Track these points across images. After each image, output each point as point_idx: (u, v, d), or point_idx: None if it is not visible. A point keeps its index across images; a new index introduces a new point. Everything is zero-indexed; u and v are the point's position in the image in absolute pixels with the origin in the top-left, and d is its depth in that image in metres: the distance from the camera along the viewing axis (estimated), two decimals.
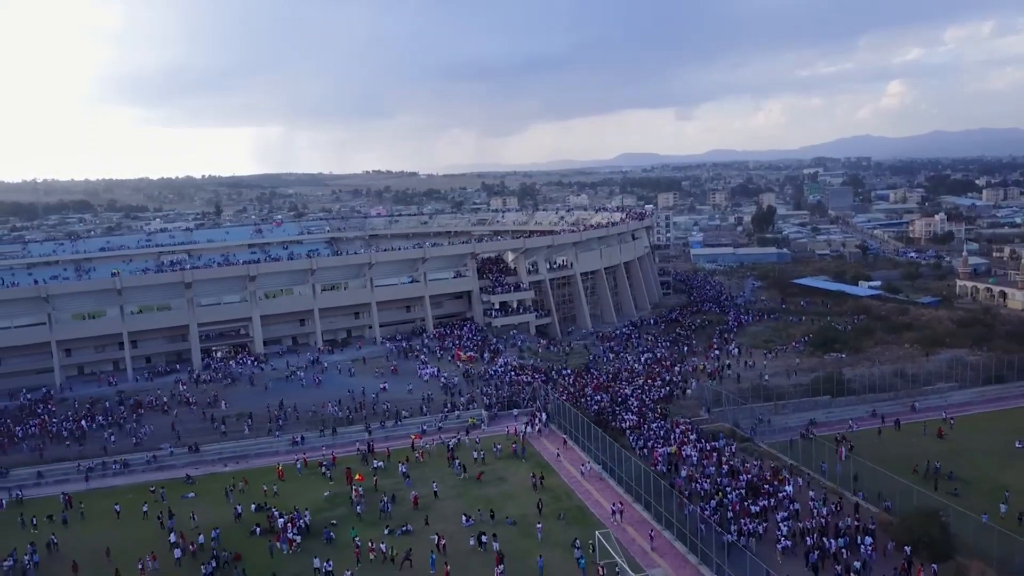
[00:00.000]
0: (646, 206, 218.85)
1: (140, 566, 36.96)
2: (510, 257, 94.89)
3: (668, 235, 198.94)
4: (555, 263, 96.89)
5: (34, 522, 42.89)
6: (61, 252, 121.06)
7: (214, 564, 36.51)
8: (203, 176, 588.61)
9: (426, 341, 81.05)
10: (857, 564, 34.65)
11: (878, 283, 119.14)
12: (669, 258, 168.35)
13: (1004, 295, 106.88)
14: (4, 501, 46.43)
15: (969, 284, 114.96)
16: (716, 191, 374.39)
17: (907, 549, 35.45)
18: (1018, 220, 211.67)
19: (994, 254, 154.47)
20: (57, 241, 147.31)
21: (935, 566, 34.02)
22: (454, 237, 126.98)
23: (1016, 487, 43.93)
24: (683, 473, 45.27)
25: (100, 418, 59.87)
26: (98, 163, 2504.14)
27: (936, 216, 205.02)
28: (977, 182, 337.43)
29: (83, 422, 58.83)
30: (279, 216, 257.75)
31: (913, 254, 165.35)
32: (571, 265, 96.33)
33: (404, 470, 47.99)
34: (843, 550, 35.89)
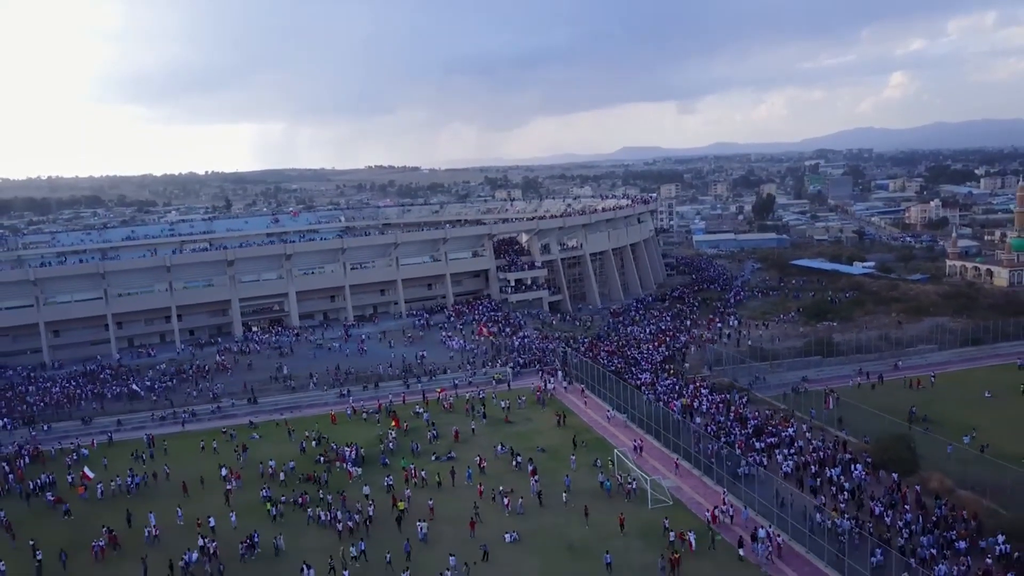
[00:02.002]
0: (650, 195, 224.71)
1: (228, 488, 43.83)
2: (524, 238, 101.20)
3: (671, 223, 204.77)
4: (566, 244, 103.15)
5: (143, 456, 50.33)
6: (88, 241, 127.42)
7: (268, 490, 42.85)
8: (206, 172, 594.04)
9: (449, 317, 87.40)
10: (848, 486, 40.81)
11: (872, 264, 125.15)
12: (672, 244, 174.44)
13: (991, 273, 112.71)
14: (96, 442, 53.35)
15: (958, 264, 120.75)
16: (718, 182, 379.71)
17: (895, 475, 41.53)
18: (1012, 207, 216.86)
19: (986, 237, 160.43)
20: (84, 231, 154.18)
21: (918, 487, 40.08)
22: (465, 225, 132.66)
23: (982, 427, 50.01)
24: (697, 420, 51.41)
25: (166, 381, 66.71)
26: (101, 161, 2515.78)
27: (931, 203, 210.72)
28: (976, 171, 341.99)
29: (134, 383, 65.69)
30: (291, 208, 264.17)
31: (908, 238, 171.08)
32: (581, 246, 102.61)
33: (428, 418, 54.64)
34: (839, 477, 42.05)
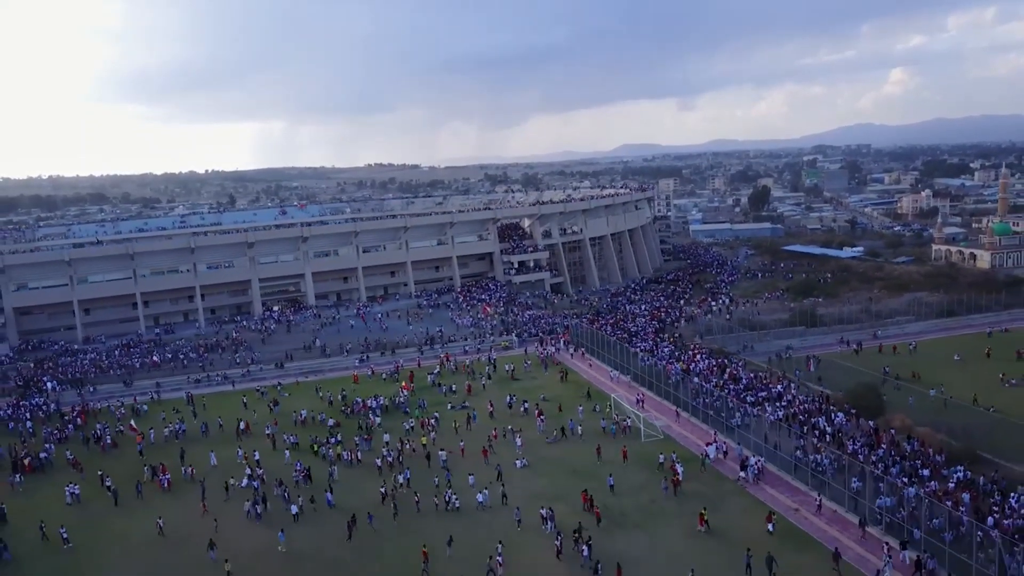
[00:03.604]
0: (648, 184, 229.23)
1: (268, 431, 49.18)
2: (526, 223, 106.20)
3: (669, 213, 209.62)
4: (567, 229, 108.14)
5: (193, 411, 55.77)
6: (102, 233, 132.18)
7: (296, 437, 47.99)
8: (207, 171, 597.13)
9: (457, 297, 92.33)
10: (829, 430, 45.62)
11: (860, 249, 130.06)
12: (670, 234, 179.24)
13: (974, 256, 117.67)
14: (137, 399, 58.75)
15: (943, 248, 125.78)
16: (715, 177, 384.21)
17: (872, 423, 46.33)
18: None
19: (973, 225, 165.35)
20: (98, 224, 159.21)
21: (892, 431, 44.88)
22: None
23: (948, 383, 54.99)
24: (695, 380, 56.13)
25: (191, 352, 71.74)
26: (101, 160, 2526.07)
27: (923, 193, 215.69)
28: (972, 165, 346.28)
29: (155, 355, 70.90)
30: (297, 202, 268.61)
31: (899, 227, 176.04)
32: (581, 231, 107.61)
33: (432, 379, 59.80)
34: (825, 425, 46.87)
